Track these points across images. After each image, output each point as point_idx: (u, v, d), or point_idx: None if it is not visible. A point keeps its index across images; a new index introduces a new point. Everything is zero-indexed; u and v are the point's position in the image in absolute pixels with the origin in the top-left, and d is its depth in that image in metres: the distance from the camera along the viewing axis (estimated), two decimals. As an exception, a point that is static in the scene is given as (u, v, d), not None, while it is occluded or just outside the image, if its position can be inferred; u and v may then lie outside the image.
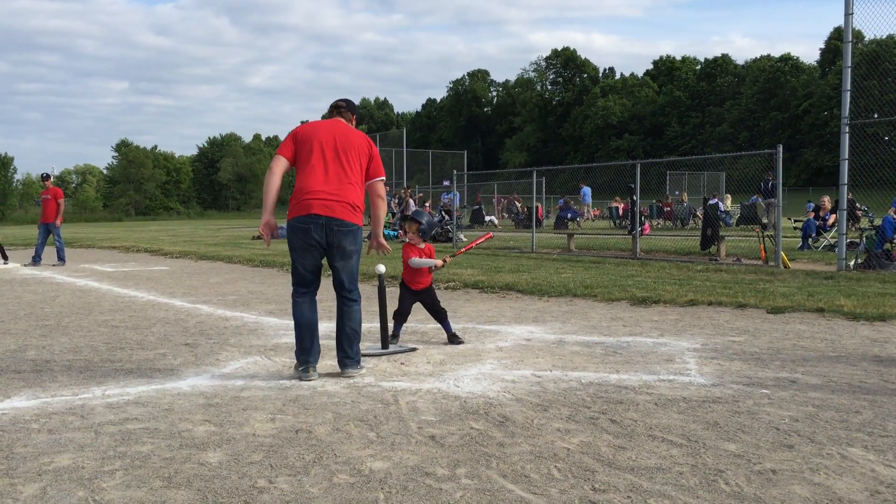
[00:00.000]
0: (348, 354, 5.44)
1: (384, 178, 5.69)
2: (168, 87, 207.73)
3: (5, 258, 17.21)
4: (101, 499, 3.17)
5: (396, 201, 27.76)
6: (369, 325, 7.56)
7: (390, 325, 6.53)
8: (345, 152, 5.41)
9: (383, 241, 5.78)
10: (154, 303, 9.85)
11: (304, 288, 5.43)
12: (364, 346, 6.49)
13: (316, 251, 5.36)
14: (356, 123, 5.86)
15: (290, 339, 7.03)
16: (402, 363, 5.90)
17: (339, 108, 5.79)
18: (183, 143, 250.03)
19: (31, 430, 4.17)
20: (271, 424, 4.25)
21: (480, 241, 7.83)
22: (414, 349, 6.39)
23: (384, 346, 6.31)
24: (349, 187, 5.36)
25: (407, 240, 6.86)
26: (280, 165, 5.43)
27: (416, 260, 6.68)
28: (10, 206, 71.60)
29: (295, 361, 5.53)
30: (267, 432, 4.10)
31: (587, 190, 34.82)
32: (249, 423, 4.28)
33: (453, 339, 6.68)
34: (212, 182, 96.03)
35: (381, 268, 6.45)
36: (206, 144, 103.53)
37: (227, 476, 3.43)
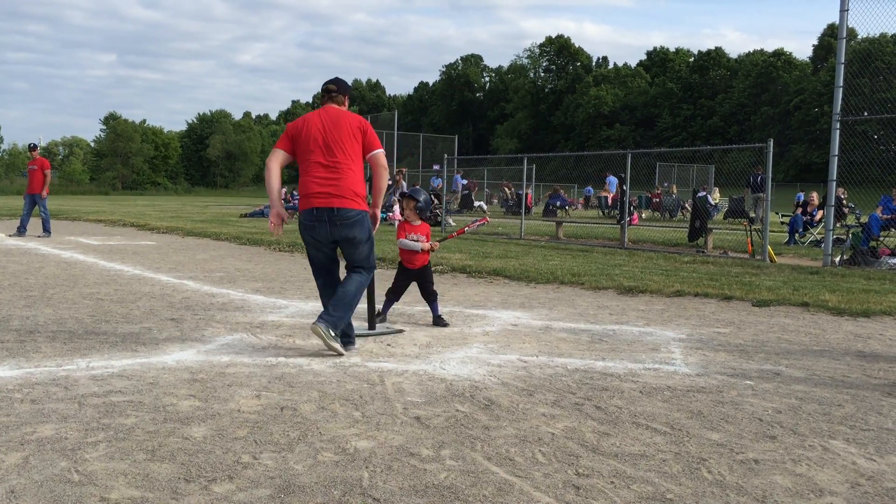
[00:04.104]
0: (329, 312, 5.37)
1: (382, 149, 5.59)
2: (157, 61, 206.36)
3: None
4: (83, 470, 3.16)
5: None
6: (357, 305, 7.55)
7: (378, 305, 6.53)
8: (337, 141, 5.40)
9: (377, 214, 5.69)
10: (140, 277, 9.80)
11: (322, 278, 5.63)
12: (351, 326, 6.50)
13: (324, 247, 5.51)
14: (349, 104, 5.80)
15: (277, 316, 7.02)
16: (388, 344, 5.89)
17: (330, 93, 5.69)
18: (171, 118, 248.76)
19: (14, 400, 4.14)
20: (256, 401, 4.24)
21: (474, 226, 7.83)
22: (400, 331, 6.38)
23: (371, 326, 6.30)
24: (346, 176, 5.38)
25: (404, 217, 6.86)
26: (277, 159, 5.53)
27: (403, 241, 6.69)
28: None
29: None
30: (252, 409, 4.09)
31: (613, 179, 34.58)
32: (234, 399, 4.27)
33: (439, 321, 6.68)
34: (200, 158, 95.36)
35: None
36: (195, 120, 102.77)
37: (211, 451, 3.42)
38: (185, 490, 2.99)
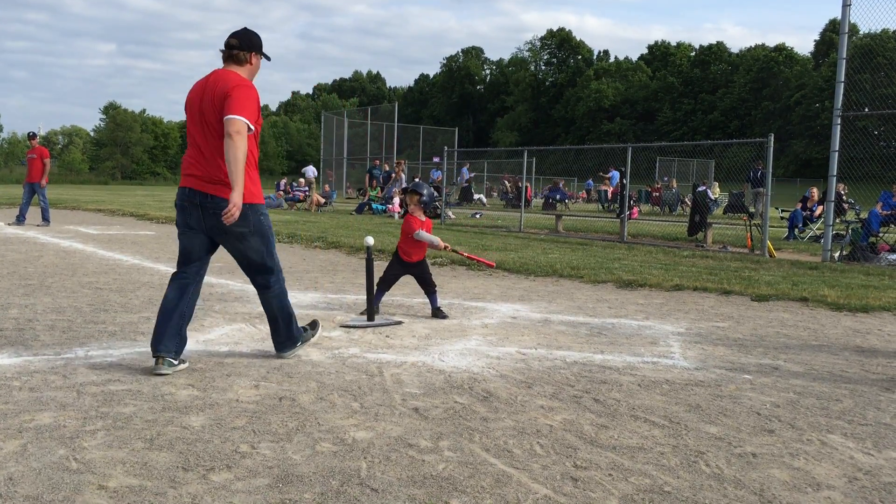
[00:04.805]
0: (278, 340, 5.01)
1: (240, 116, 4.36)
2: (156, 50, 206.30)
3: None
4: (81, 458, 3.16)
5: (384, 176, 27.63)
6: (356, 297, 7.55)
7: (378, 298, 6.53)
8: (206, 114, 4.49)
9: (238, 201, 4.34)
10: (139, 266, 9.79)
11: (180, 267, 4.77)
12: (349, 317, 6.50)
13: (194, 234, 4.67)
14: (256, 61, 4.74)
15: (275, 307, 7.00)
16: (387, 336, 5.89)
17: (231, 50, 4.64)
18: (171, 108, 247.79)
19: (13, 388, 4.14)
20: (255, 391, 4.24)
21: (482, 261, 7.85)
22: (399, 322, 6.38)
23: (370, 318, 6.30)
24: (220, 158, 4.46)
25: (409, 211, 6.85)
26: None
27: (421, 233, 6.66)
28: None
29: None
30: (250, 398, 4.09)
31: (616, 174, 34.55)
32: (233, 388, 4.27)
33: (437, 312, 6.68)
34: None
35: (370, 240, 6.38)
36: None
37: (209, 440, 3.43)
38: (184, 479, 2.99)
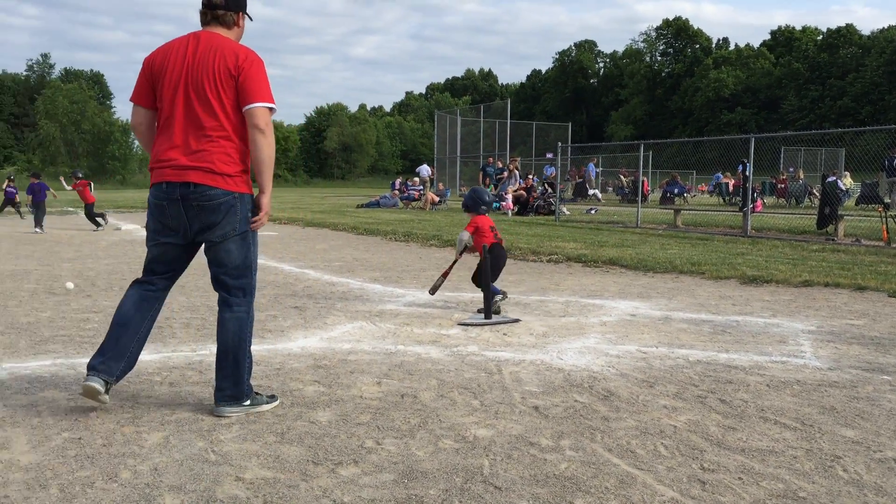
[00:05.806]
0: (219, 386, 3.83)
1: (267, 103, 3.74)
2: (276, 56, 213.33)
3: (99, 222, 17.55)
4: (219, 450, 3.33)
5: (497, 173, 27.65)
6: (472, 295, 7.60)
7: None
8: (200, 88, 3.71)
9: (267, 204, 3.90)
10: (263, 266, 10.17)
11: (146, 276, 4.09)
12: (466, 315, 6.55)
13: (171, 238, 3.92)
14: (243, 23, 4.00)
15: (394, 305, 7.15)
16: (504, 334, 5.90)
17: (215, 10, 3.87)
18: (291, 112, 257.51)
19: (154, 383, 4.40)
20: (377, 388, 4.34)
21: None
22: (517, 320, 6.38)
23: (487, 316, 6.33)
24: (215, 142, 3.72)
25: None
26: (139, 121, 3.92)
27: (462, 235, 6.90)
28: (131, 170, 75.18)
29: None
30: (373, 395, 4.19)
31: (739, 165, 33.39)
32: (357, 385, 4.39)
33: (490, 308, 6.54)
34: (318, 151, 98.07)
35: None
36: (313, 114, 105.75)
37: (336, 435, 3.53)
38: (314, 472, 3.10)
